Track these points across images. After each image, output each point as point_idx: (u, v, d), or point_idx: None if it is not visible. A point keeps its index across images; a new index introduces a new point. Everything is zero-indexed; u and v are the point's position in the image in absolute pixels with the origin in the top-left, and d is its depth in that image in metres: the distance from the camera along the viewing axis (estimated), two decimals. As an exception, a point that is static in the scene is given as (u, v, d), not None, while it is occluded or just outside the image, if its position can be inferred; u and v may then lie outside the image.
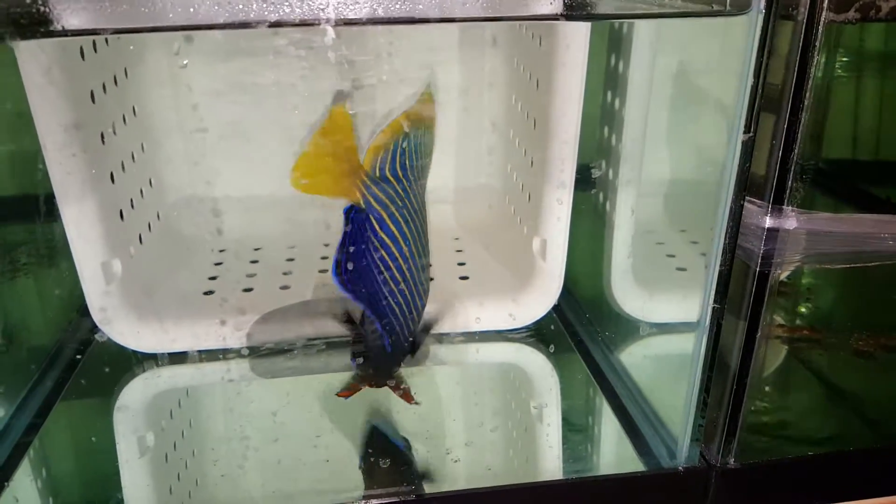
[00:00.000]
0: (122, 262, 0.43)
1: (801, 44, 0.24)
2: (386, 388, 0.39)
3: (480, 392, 0.44)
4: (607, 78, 0.42)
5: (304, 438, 0.39)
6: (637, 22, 0.35)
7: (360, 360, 0.38)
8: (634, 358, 0.41)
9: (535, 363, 0.44)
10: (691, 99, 0.39)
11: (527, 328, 0.46)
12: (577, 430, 0.39)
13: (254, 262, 0.52)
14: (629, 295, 0.42)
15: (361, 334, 0.38)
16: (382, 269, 0.33)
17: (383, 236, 0.33)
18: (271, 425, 0.40)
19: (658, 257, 0.47)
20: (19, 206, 0.45)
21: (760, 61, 0.23)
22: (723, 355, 0.30)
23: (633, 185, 0.40)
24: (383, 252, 0.33)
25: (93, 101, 0.42)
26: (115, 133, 0.45)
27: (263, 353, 0.46)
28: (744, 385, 0.31)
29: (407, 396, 0.39)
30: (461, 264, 0.51)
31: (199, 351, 0.45)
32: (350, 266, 0.32)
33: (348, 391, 0.39)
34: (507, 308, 0.46)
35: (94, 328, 0.45)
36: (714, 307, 0.28)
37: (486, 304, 0.46)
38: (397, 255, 0.33)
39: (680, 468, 0.33)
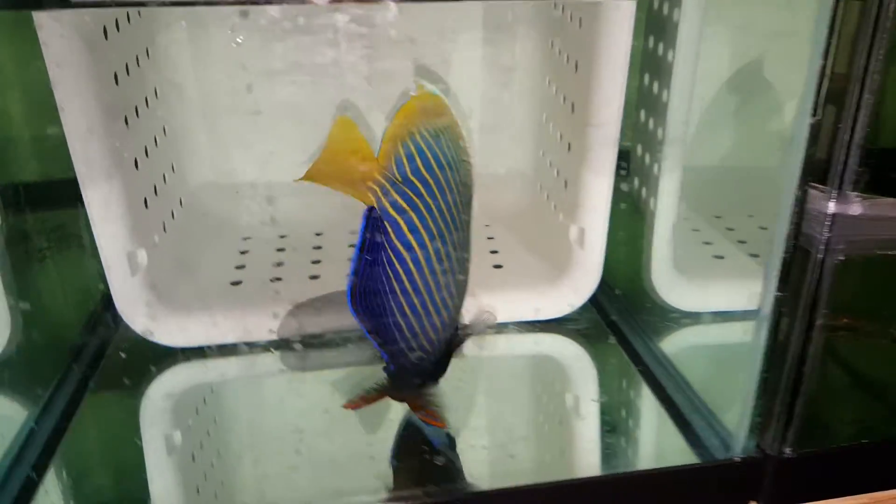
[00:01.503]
0: (146, 251, 0.44)
1: (872, 24, 0.24)
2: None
3: (523, 385, 0.44)
4: (645, 60, 0.42)
5: (338, 434, 0.40)
6: (685, 2, 0.36)
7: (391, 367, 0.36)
8: (677, 348, 0.42)
9: (574, 354, 0.45)
10: (747, 83, 0.40)
11: (563, 318, 0.47)
12: (626, 422, 0.39)
13: (280, 249, 0.53)
14: (670, 284, 0.43)
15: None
16: (395, 282, 0.32)
17: (398, 245, 0.32)
18: (306, 421, 0.41)
19: (697, 245, 0.48)
20: (43, 192, 0.46)
21: (829, 43, 0.24)
22: (780, 343, 0.31)
23: (675, 172, 0.41)
24: (397, 264, 0.32)
25: (116, 82, 0.43)
26: (138, 116, 0.46)
27: (292, 347, 0.47)
28: (802, 373, 0.31)
29: (430, 418, 0.37)
30: (494, 252, 0.52)
31: (224, 345, 0.46)
32: (363, 280, 0.32)
33: (356, 403, 0.37)
34: (543, 298, 0.46)
35: (117, 320, 0.46)
36: (776, 295, 0.29)
37: (520, 295, 0.47)
38: (412, 266, 0.32)
39: (736, 458, 0.34)
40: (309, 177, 0.31)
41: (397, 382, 0.35)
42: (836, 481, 0.35)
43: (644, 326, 0.45)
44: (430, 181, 0.32)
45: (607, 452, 0.37)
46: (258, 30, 0.53)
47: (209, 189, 0.57)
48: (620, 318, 0.46)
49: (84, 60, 0.38)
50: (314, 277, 0.49)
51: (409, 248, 0.31)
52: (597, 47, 0.39)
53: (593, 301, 0.47)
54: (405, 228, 0.31)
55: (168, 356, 0.45)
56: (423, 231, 0.32)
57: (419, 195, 0.32)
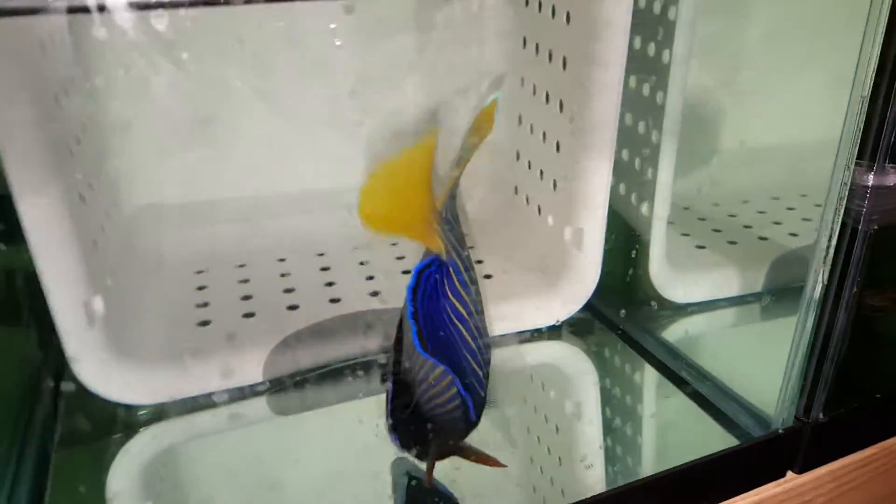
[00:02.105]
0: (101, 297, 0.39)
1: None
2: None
3: (543, 397, 0.43)
4: (633, 61, 0.42)
5: (340, 480, 0.37)
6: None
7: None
8: (687, 341, 0.43)
9: (582, 359, 0.45)
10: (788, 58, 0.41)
11: (560, 324, 0.46)
12: (660, 420, 0.39)
13: (243, 280, 0.49)
14: (669, 279, 0.43)
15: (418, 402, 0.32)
16: (459, 324, 0.30)
17: (457, 285, 0.30)
18: (308, 469, 0.38)
19: (679, 238, 0.49)
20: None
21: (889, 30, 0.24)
22: (824, 316, 0.32)
23: (669, 172, 0.41)
24: (459, 307, 0.30)
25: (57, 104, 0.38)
26: (79, 143, 0.41)
27: (277, 389, 0.43)
28: (841, 342, 0.33)
29: (489, 459, 0.34)
30: (479, 262, 0.51)
31: (200, 395, 0.41)
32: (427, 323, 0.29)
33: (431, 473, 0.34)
34: (541, 304, 0.46)
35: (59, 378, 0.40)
36: (823, 270, 0.30)
37: (516, 304, 0.46)
38: (471, 307, 0.30)
39: (780, 430, 0.35)
40: (370, 222, 0.27)
41: (452, 436, 0.32)
42: (861, 437, 0.37)
43: (648, 324, 0.45)
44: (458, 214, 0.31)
45: (650, 452, 0.37)
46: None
47: (149, 217, 0.52)
48: (620, 319, 0.46)
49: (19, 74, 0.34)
50: (292, 308, 0.46)
51: (466, 287, 0.30)
52: (590, 42, 0.39)
53: (587, 304, 0.47)
54: (462, 267, 0.29)
55: (133, 417, 0.40)
56: (473, 267, 0.30)
57: (458, 232, 0.30)
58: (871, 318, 0.32)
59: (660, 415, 0.40)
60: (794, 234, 0.49)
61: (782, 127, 0.50)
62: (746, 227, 0.50)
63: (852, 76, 0.26)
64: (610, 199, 0.43)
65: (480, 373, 0.32)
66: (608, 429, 0.40)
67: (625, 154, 0.44)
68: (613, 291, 0.44)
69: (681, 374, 0.40)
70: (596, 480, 0.36)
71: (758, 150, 0.51)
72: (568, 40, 0.41)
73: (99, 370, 0.38)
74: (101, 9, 0.22)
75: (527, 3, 0.47)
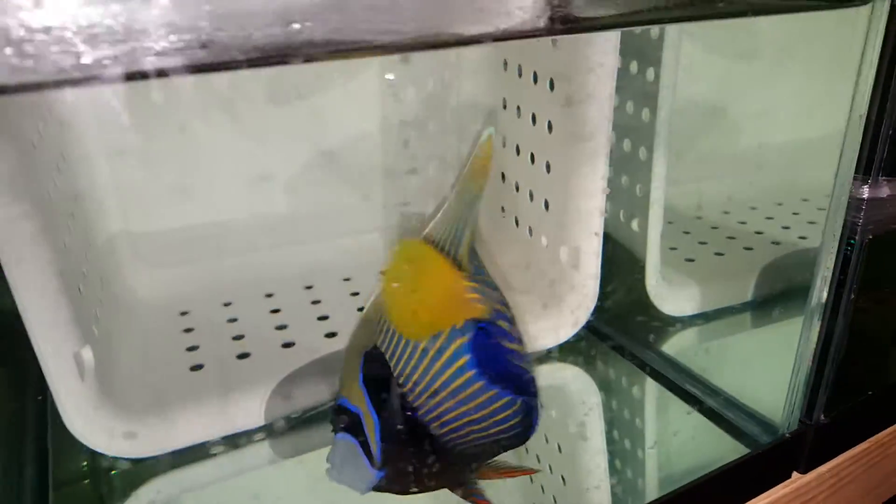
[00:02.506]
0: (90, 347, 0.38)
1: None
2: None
3: (551, 421, 0.44)
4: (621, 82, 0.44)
5: None
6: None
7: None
8: (687, 354, 0.44)
9: (584, 379, 0.46)
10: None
11: (559, 345, 0.47)
12: (666, 433, 0.41)
13: (232, 320, 0.48)
14: (664, 294, 0.45)
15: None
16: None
17: (509, 330, 0.31)
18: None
19: (667, 252, 0.51)
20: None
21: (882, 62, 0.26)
22: (812, 322, 0.34)
23: (660, 190, 0.43)
24: (516, 346, 0.31)
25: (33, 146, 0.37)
26: (55, 184, 0.40)
27: (279, 431, 0.42)
28: (831, 348, 0.35)
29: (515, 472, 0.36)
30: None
31: (204, 443, 0.40)
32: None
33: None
34: (541, 325, 0.46)
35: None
36: (829, 280, 0.31)
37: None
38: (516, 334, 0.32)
39: (787, 434, 0.37)
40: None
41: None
42: (857, 433, 0.40)
43: (647, 339, 0.46)
44: None
45: (660, 468, 0.38)
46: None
47: (124, 256, 0.50)
48: (619, 335, 0.48)
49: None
50: (287, 345, 0.45)
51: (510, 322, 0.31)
52: (581, 63, 0.40)
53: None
54: (504, 308, 0.30)
55: (137, 466, 0.39)
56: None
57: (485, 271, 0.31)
58: (866, 321, 0.34)
59: (667, 429, 0.41)
60: (776, 243, 0.51)
61: (756, 137, 0.53)
62: (730, 237, 0.52)
63: (850, 98, 0.28)
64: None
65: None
66: (615, 447, 0.41)
67: (612, 172, 0.45)
68: (609, 309, 0.46)
69: (684, 387, 0.42)
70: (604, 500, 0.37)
71: (729, 160, 0.54)
72: (556, 61, 0.43)
73: (93, 425, 0.37)
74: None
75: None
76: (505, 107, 0.49)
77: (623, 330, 0.46)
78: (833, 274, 0.33)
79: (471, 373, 0.30)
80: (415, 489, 0.34)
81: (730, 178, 0.52)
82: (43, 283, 0.34)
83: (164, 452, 0.39)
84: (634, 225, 0.44)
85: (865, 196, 0.30)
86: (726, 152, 0.52)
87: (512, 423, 0.32)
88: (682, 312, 0.46)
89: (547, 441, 0.42)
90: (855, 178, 0.30)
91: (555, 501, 0.38)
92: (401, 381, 0.32)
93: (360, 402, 0.33)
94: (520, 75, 0.47)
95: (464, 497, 0.35)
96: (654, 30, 0.39)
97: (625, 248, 0.45)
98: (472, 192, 0.33)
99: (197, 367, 0.43)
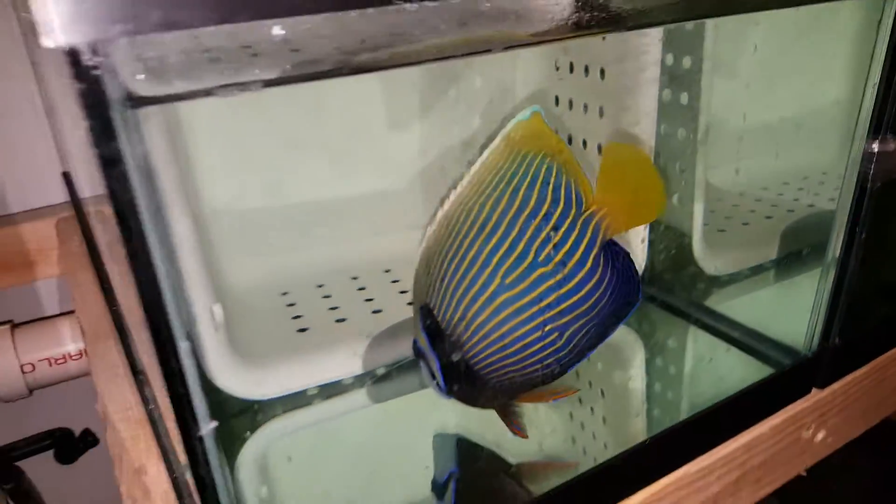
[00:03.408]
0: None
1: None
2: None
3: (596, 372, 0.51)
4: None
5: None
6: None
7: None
8: (725, 305, 0.53)
9: (628, 333, 0.54)
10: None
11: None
12: (707, 366, 0.49)
13: (326, 296, 0.54)
14: (708, 256, 0.53)
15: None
16: None
17: None
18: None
19: (718, 220, 0.60)
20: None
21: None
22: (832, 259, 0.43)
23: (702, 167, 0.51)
24: None
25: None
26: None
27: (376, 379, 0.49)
28: (845, 281, 0.44)
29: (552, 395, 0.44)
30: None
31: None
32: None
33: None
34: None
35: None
36: (845, 223, 0.41)
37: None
38: None
39: (809, 354, 0.46)
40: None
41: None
42: (862, 356, 0.50)
43: (690, 296, 0.55)
44: None
45: (701, 393, 0.46)
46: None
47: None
48: (666, 294, 0.56)
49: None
50: (377, 312, 0.52)
51: None
52: (629, 52, 0.48)
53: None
54: None
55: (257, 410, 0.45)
56: None
57: None
58: (875, 258, 0.44)
59: (705, 362, 0.50)
60: (791, 211, 0.61)
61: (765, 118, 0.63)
62: (751, 210, 0.62)
63: (866, 70, 0.37)
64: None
65: None
66: (655, 379, 0.49)
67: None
68: (657, 272, 0.54)
69: (723, 329, 0.51)
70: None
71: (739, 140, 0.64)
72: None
73: (230, 370, 0.43)
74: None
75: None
76: (557, 103, 0.56)
77: (668, 289, 0.54)
78: (848, 218, 0.42)
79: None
80: (478, 406, 0.42)
81: (737, 157, 0.62)
82: (190, 247, 0.40)
83: (283, 395, 0.45)
84: (675, 200, 0.52)
85: (876, 150, 0.39)
86: (737, 132, 0.61)
87: (549, 361, 0.39)
88: (723, 271, 0.55)
89: (590, 386, 0.50)
90: (867, 137, 0.39)
91: (601, 423, 0.46)
92: (448, 332, 0.39)
93: (423, 343, 0.40)
94: (571, 71, 0.55)
95: (503, 419, 0.42)
96: (689, 24, 0.48)
97: (668, 222, 0.54)
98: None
99: (302, 330, 0.50)
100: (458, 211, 0.38)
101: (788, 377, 0.46)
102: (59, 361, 0.68)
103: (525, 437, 0.42)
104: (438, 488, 0.42)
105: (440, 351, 0.39)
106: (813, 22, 0.50)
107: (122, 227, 0.23)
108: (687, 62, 0.47)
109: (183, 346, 0.25)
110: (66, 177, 0.71)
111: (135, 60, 0.22)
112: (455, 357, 0.39)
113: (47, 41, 0.20)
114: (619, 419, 0.47)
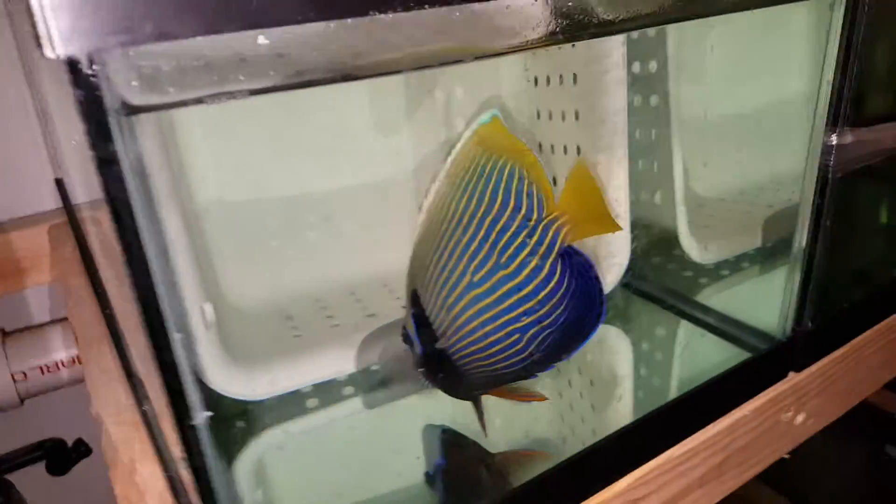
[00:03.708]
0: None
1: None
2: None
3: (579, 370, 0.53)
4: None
5: None
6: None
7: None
8: (705, 295, 0.56)
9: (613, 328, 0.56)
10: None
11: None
12: (686, 351, 0.51)
13: (323, 307, 0.56)
14: (696, 242, 0.56)
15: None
16: None
17: None
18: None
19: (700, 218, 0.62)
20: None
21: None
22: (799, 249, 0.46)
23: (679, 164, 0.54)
24: None
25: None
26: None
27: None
28: (813, 268, 0.46)
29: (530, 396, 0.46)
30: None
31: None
32: None
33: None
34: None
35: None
36: (815, 220, 0.43)
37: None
38: None
39: (783, 339, 0.49)
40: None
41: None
42: (837, 339, 0.52)
43: (673, 288, 0.57)
44: None
45: (680, 378, 0.49)
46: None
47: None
48: (650, 286, 0.58)
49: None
50: (371, 315, 0.54)
51: None
52: (595, 58, 0.51)
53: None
54: None
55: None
56: None
57: None
58: (839, 244, 0.46)
59: (686, 349, 0.53)
60: (770, 206, 0.62)
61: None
62: (733, 202, 0.65)
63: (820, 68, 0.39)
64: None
65: None
66: (640, 367, 0.51)
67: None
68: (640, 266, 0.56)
69: (700, 317, 0.53)
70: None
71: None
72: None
73: (222, 369, 0.44)
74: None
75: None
76: (539, 116, 0.59)
77: (653, 281, 0.57)
78: (812, 208, 0.44)
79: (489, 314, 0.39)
80: (454, 396, 0.44)
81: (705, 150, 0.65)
82: (181, 245, 0.42)
83: (274, 395, 0.47)
84: (657, 198, 0.55)
85: (834, 143, 0.41)
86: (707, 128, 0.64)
87: (513, 360, 0.41)
88: (708, 260, 0.57)
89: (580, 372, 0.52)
90: (825, 131, 0.41)
91: (588, 409, 0.48)
92: (431, 320, 0.41)
93: (410, 328, 0.42)
94: (548, 83, 0.57)
95: (475, 412, 0.44)
96: (651, 29, 0.50)
97: (651, 220, 0.57)
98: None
99: (297, 336, 0.51)
100: (439, 204, 0.40)
101: (765, 361, 0.49)
102: (51, 369, 0.69)
103: (485, 435, 0.44)
104: (430, 479, 0.43)
105: (424, 338, 0.41)
106: (769, 22, 0.53)
107: (117, 226, 0.25)
108: (651, 66, 0.50)
109: (177, 338, 0.27)
110: (59, 183, 0.72)
111: (129, 69, 0.23)
112: (436, 345, 0.41)
113: (48, 52, 0.22)
114: (603, 405, 0.49)
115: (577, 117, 0.53)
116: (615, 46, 0.50)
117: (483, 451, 0.45)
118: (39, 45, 0.22)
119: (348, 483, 0.43)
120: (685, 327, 0.54)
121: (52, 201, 0.75)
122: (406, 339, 0.43)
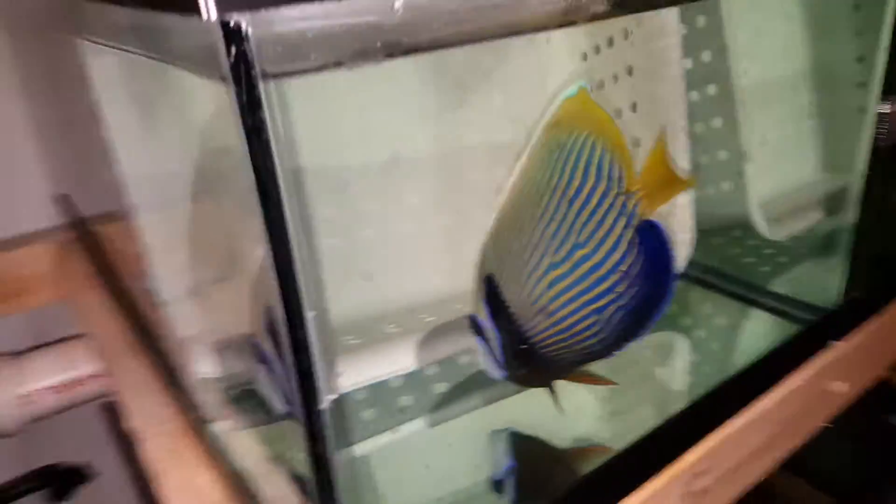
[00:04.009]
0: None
1: None
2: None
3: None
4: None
5: None
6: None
7: None
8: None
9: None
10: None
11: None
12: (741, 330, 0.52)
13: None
14: (766, 221, 0.56)
15: None
16: None
17: None
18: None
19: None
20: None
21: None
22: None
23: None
24: None
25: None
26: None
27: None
28: (863, 239, 0.48)
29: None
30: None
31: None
32: None
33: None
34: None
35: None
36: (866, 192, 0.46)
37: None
38: None
39: (832, 307, 0.51)
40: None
41: None
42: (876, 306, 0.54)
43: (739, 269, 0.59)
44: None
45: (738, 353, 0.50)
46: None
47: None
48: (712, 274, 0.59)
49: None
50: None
51: None
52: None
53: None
54: None
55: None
56: None
57: None
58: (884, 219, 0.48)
59: (740, 326, 0.54)
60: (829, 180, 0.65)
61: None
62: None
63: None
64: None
65: None
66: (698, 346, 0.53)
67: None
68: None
69: (756, 298, 0.55)
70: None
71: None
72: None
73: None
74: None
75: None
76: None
77: (718, 263, 0.58)
78: (864, 176, 0.46)
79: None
80: (529, 385, 0.45)
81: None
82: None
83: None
84: (725, 186, 0.56)
85: (884, 111, 0.43)
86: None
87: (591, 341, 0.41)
88: (778, 236, 0.58)
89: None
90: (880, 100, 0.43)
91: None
92: (508, 305, 0.41)
93: (483, 317, 0.42)
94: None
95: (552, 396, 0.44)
96: (701, 19, 0.52)
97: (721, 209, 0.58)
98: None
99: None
100: (520, 184, 0.40)
101: (814, 331, 0.51)
102: (60, 389, 0.66)
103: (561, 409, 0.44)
104: (497, 484, 0.43)
105: (501, 323, 0.41)
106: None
107: (261, 196, 0.24)
108: (705, 56, 0.52)
109: (310, 316, 0.26)
110: (65, 199, 0.70)
111: (275, 34, 0.23)
112: (514, 330, 0.41)
113: (205, 15, 0.21)
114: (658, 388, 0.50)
115: (633, 109, 0.53)
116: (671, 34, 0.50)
117: (552, 448, 0.45)
118: (190, 11, 0.22)
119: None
120: (738, 306, 0.56)
121: (43, 220, 0.72)
122: (477, 329, 0.42)
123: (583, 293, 0.40)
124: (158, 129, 0.45)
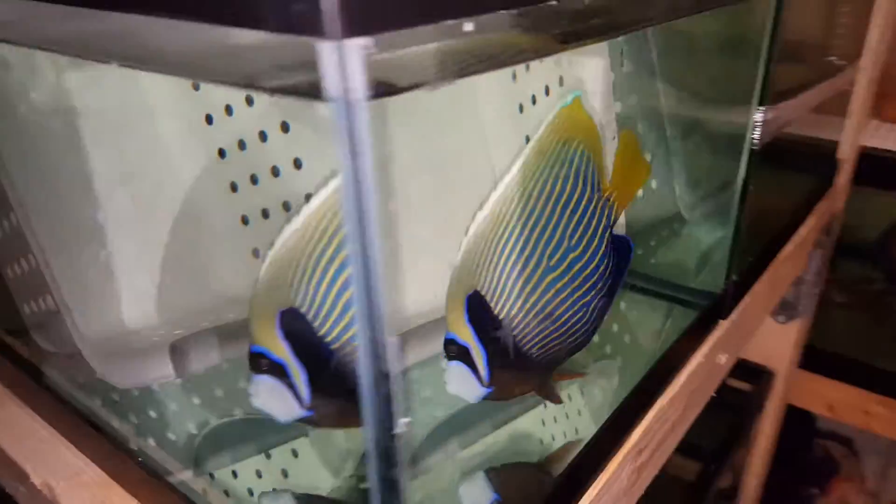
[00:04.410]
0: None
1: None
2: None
3: None
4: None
5: None
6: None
7: None
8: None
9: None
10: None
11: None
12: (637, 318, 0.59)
13: None
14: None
15: None
16: None
17: None
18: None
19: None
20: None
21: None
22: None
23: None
24: None
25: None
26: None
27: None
28: (741, 229, 0.57)
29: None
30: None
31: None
32: None
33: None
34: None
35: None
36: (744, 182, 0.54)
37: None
38: None
39: (719, 291, 0.59)
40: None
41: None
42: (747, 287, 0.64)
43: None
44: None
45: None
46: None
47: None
48: None
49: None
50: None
51: None
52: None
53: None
54: None
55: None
56: None
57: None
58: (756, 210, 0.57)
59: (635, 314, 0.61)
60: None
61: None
62: None
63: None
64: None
65: None
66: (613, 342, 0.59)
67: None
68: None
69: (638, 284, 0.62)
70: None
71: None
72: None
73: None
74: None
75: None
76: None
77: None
78: (744, 175, 0.55)
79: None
80: (512, 396, 0.46)
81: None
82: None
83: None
84: (653, 184, 0.62)
85: (762, 118, 0.52)
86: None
87: (581, 333, 0.45)
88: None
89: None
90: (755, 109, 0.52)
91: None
92: (500, 316, 0.42)
93: (467, 337, 0.41)
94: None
95: (541, 394, 0.47)
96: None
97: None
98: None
99: None
100: (510, 196, 0.41)
101: (708, 314, 0.59)
102: None
103: (560, 402, 0.47)
104: None
105: (488, 338, 0.41)
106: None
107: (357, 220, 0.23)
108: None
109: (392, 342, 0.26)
110: None
111: (378, 56, 0.23)
112: (506, 340, 0.42)
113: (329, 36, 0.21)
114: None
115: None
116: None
117: (530, 465, 0.48)
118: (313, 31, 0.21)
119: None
120: (632, 297, 0.63)
121: None
122: (456, 350, 0.41)
123: (575, 291, 0.43)
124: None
